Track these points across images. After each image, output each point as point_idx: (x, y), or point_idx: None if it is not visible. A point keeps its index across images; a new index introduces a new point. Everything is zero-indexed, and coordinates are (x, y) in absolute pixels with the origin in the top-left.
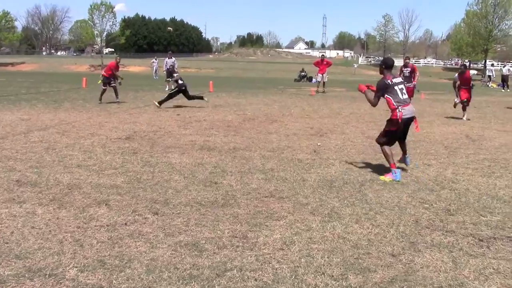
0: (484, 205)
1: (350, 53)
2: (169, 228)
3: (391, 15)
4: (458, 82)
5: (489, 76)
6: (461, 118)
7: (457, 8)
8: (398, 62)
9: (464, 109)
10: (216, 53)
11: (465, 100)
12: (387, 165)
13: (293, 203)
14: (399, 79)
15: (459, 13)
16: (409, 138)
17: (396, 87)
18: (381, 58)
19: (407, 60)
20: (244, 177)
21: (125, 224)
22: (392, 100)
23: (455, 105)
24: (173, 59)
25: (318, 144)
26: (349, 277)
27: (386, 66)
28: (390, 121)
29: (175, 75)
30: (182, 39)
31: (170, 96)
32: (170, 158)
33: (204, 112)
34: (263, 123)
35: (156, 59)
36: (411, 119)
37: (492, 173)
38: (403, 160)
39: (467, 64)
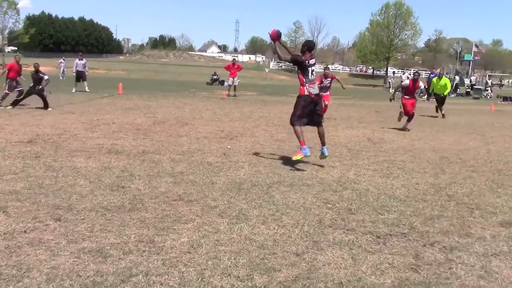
0: (382, 204)
1: (262, 57)
2: (72, 235)
3: (301, 22)
4: (400, 90)
5: (389, 82)
6: (406, 129)
7: (362, 18)
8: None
9: (408, 120)
10: (127, 55)
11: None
12: (294, 166)
13: (201, 206)
14: (313, 61)
15: (364, 22)
16: (316, 141)
17: (309, 68)
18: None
19: (327, 71)
20: (153, 180)
21: (24, 231)
22: (304, 78)
23: (399, 118)
24: (84, 60)
25: (228, 147)
26: (254, 277)
27: (308, 47)
28: (298, 97)
29: (46, 77)
30: (91, 39)
31: (27, 94)
32: (75, 162)
33: (113, 115)
34: (173, 126)
35: (64, 60)
36: (317, 97)
37: (390, 174)
38: (321, 153)
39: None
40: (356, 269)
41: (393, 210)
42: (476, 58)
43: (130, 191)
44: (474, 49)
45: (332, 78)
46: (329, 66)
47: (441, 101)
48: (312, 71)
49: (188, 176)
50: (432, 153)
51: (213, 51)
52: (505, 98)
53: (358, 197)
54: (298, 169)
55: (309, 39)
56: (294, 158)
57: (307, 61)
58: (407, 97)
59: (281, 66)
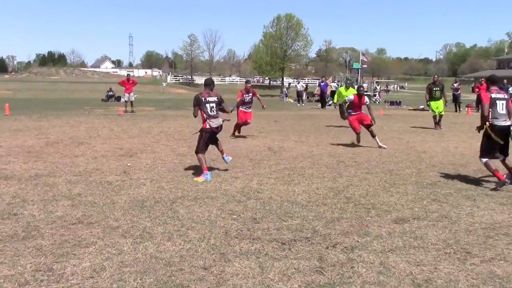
0: (286, 211)
1: (159, 72)
2: None
3: (196, 35)
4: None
5: (285, 92)
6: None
7: (256, 30)
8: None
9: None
10: (13, 73)
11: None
12: (197, 177)
13: (103, 227)
14: (213, 98)
15: (258, 35)
16: (216, 152)
17: (207, 104)
18: (189, 77)
19: (248, 85)
20: (48, 205)
21: None
22: (204, 113)
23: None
24: None
25: (128, 164)
26: None
27: (205, 84)
28: (201, 130)
29: None
30: None
31: None
32: None
33: None
34: (68, 146)
35: None
36: (217, 129)
37: (292, 181)
38: (223, 159)
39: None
40: (264, 277)
41: (296, 216)
42: (364, 66)
43: (23, 218)
44: (361, 57)
45: (254, 94)
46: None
47: None
48: (212, 107)
49: (87, 198)
50: (330, 158)
51: (107, 67)
52: (392, 103)
53: (262, 205)
54: (201, 182)
55: (207, 77)
56: (195, 180)
57: (204, 98)
58: (354, 113)
59: (179, 80)
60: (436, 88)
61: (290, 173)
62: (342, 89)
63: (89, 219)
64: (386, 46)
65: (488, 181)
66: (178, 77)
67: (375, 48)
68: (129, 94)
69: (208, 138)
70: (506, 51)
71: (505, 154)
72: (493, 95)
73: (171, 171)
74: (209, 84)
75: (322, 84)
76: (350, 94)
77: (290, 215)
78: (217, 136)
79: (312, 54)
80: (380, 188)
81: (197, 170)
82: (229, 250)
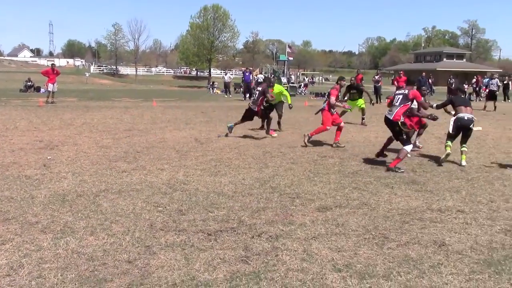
0: (212, 202)
1: (82, 61)
2: None
3: (121, 24)
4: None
5: (212, 84)
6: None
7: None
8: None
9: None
10: None
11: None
12: (122, 172)
13: (20, 223)
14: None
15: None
16: (142, 144)
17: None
18: (113, 67)
19: (343, 82)
20: None
21: None
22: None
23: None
24: None
25: (48, 157)
26: None
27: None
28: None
29: None
30: None
31: None
32: None
33: None
34: None
35: None
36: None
37: (218, 172)
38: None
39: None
40: (190, 268)
41: (222, 207)
42: (290, 58)
43: None
44: (288, 50)
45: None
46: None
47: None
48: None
49: (3, 192)
50: (256, 148)
51: (25, 56)
52: (317, 94)
53: (188, 197)
54: (126, 175)
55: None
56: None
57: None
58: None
59: (103, 70)
60: (354, 91)
61: (216, 164)
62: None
63: (5, 215)
64: (312, 39)
65: (405, 169)
66: (102, 67)
67: (301, 41)
68: (53, 84)
69: None
70: (423, 45)
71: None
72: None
73: (94, 163)
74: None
75: (247, 74)
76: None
77: (216, 206)
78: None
79: (240, 45)
80: (305, 177)
81: (120, 163)
82: (154, 243)
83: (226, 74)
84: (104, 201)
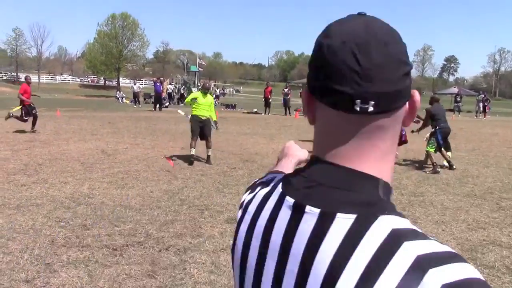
0: (118, 216)
1: None
2: None
3: (22, 29)
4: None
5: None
6: None
7: (89, 27)
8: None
9: None
10: None
11: None
12: (21, 186)
13: None
14: None
15: (91, 32)
16: (44, 156)
17: None
18: (14, 74)
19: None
20: None
21: None
22: None
23: None
24: None
25: None
26: None
27: None
28: None
29: None
30: None
31: None
32: None
33: None
34: None
35: None
36: None
37: (126, 185)
38: None
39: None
40: (93, 286)
41: (129, 221)
42: (200, 69)
43: None
44: (198, 61)
45: None
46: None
47: None
48: None
49: None
50: (165, 160)
51: None
52: (227, 106)
53: (93, 211)
54: (25, 189)
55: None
56: None
57: None
58: None
59: (2, 77)
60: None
61: (124, 177)
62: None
63: None
64: (222, 51)
65: None
66: (1, 74)
67: (211, 52)
68: None
69: None
70: None
71: None
72: None
73: None
74: None
75: (157, 85)
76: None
77: (123, 220)
78: None
79: (150, 55)
80: (214, 189)
81: (20, 176)
82: (56, 260)
83: (135, 84)
84: (0, 217)
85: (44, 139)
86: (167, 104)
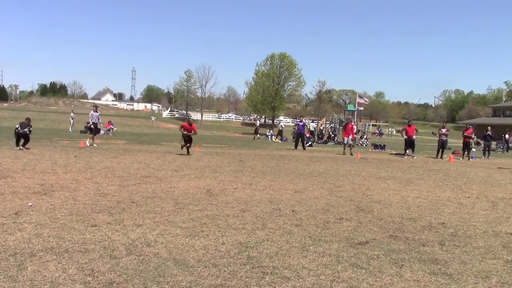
0: (159, 273)
1: (158, 106)
2: None
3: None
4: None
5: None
6: None
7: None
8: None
9: None
10: (12, 102)
11: None
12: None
13: None
14: None
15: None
16: (144, 194)
17: None
18: (184, 112)
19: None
20: None
21: None
22: None
23: None
24: None
25: (29, 204)
26: None
27: None
28: None
29: None
30: None
31: None
32: None
33: None
34: None
35: None
36: None
37: (201, 232)
38: None
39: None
40: None
41: (166, 281)
42: (360, 108)
43: None
44: (358, 99)
45: None
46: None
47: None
48: None
49: None
50: (267, 205)
51: (108, 99)
52: (376, 146)
53: (137, 264)
54: (93, 230)
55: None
56: None
57: None
58: None
59: (174, 115)
60: None
61: (206, 222)
62: None
63: None
64: (385, 90)
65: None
66: (174, 112)
67: (373, 91)
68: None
69: None
70: (504, 99)
71: None
72: None
73: (71, 214)
74: None
75: (300, 124)
76: None
77: (160, 280)
78: None
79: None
80: (299, 245)
81: (102, 215)
82: None
83: (279, 123)
84: (31, 265)
85: (161, 176)
86: (310, 142)
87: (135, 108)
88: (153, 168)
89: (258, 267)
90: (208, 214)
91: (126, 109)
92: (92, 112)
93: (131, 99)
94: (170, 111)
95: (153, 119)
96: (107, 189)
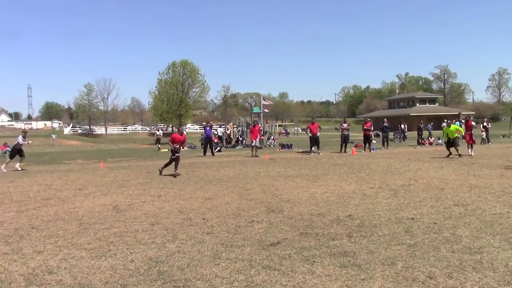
0: None
1: (59, 123)
2: None
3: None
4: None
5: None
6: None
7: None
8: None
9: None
10: None
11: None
12: None
13: None
14: None
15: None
16: (45, 217)
17: None
18: (87, 127)
19: None
20: None
21: None
22: None
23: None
24: None
25: None
26: None
27: None
28: None
29: None
30: None
31: None
32: None
33: None
34: None
35: None
36: None
37: (108, 252)
38: None
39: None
40: None
41: None
42: (265, 110)
43: None
44: (263, 101)
45: None
46: (128, 127)
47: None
48: None
49: None
50: (177, 215)
51: (3, 120)
52: (283, 146)
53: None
54: None
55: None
56: None
57: None
58: None
59: (77, 131)
60: None
61: (114, 241)
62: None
63: None
64: (289, 90)
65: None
66: (76, 128)
67: (277, 92)
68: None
69: None
70: (397, 92)
71: None
72: None
73: None
74: None
75: (207, 129)
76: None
77: None
78: None
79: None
80: (211, 253)
81: None
82: None
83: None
84: None
85: (64, 196)
86: (218, 148)
87: (34, 127)
88: (54, 189)
89: (170, 282)
90: (116, 232)
91: (24, 128)
92: None
93: (29, 117)
94: (72, 127)
95: (54, 137)
96: (3, 216)
